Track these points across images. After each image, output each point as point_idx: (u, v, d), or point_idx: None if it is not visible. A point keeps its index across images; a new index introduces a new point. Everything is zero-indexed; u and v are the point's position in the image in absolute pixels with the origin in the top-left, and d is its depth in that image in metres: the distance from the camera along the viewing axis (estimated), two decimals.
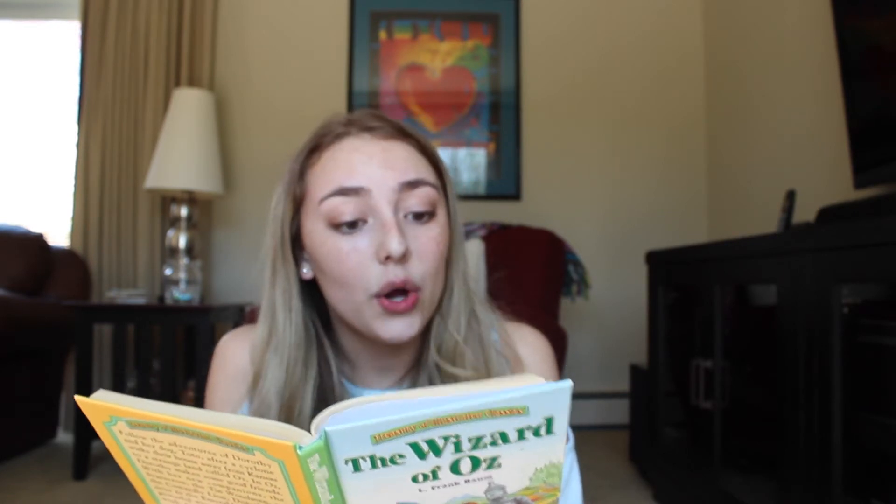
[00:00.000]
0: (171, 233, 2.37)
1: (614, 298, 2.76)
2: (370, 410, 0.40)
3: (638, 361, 2.21)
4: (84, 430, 2.00)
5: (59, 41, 2.87)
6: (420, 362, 0.69)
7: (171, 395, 2.06)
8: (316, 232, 0.61)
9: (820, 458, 1.11)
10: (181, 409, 0.41)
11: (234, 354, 0.71)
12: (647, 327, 1.90)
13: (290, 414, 0.64)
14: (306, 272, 0.66)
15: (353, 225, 0.60)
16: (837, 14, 1.64)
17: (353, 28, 2.81)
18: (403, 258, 0.59)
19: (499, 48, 2.83)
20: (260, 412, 0.64)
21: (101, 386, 2.51)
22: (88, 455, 2.01)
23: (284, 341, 0.64)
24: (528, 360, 0.72)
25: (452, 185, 0.67)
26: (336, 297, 0.63)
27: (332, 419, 0.40)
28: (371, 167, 0.60)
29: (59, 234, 2.76)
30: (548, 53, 2.85)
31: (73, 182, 2.63)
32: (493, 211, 2.73)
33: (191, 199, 2.40)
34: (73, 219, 2.62)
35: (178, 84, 2.65)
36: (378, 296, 0.60)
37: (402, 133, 0.63)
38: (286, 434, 0.40)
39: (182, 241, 2.34)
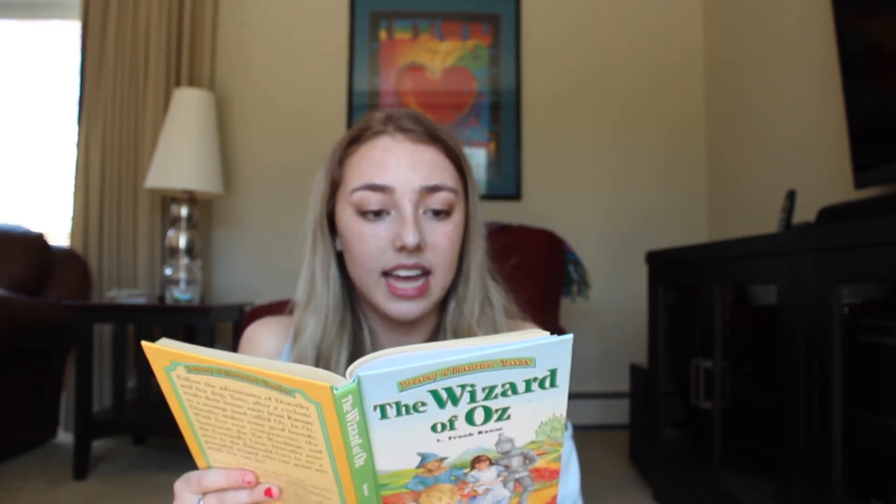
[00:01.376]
0: (171, 233, 2.37)
1: (614, 298, 2.76)
2: (398, 360, 0.43)
3: (638, 361, 2.21)
4: (84, 429, 2.01)
5: (59, 41, 2.87)
6: (433, 340, 0.76)
7: None
8: (346, 215, 0.70)
9: (820, 458, 1.11)
10: (231, 355, 0.45)
11: (260, 339, 0.77)
12: (647, 327, 1.90)
13: (326, 366, 0.71)
14: (338, 245, 0.74)
15: (377, 214, 0.68)
16: (837, 14, 1.64)
17: (353, 28, 2.81)
18: (417, 249, 0.67)
19: (499, 48, 2.83)
20: (298, 361, 0.71)
21: (101, 386, 2.51)
22: (88, 455, 2.01)
23: (322, 303, 0.73)
24: None
25: (475, 185, 0.75)
26: (354, 273, 0.71)
27: (366, 366, 0.43)
28: (400, 169, 0.68)
29: (59, 234, 2.76)
30: (548, 53, 2.85)
31: (73, 182, 2.63)
32: (493, 211, 2.72)
33: (191, 199, 2.40)
34: (73, 219, 2.62)
35: (178, 84, 2.65)
36: (387, 273, 0.68)
37: (433, 138, 0.70)
38: (324, 377, 0.43)
39: (182, 241, 2.34)
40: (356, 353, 0.73)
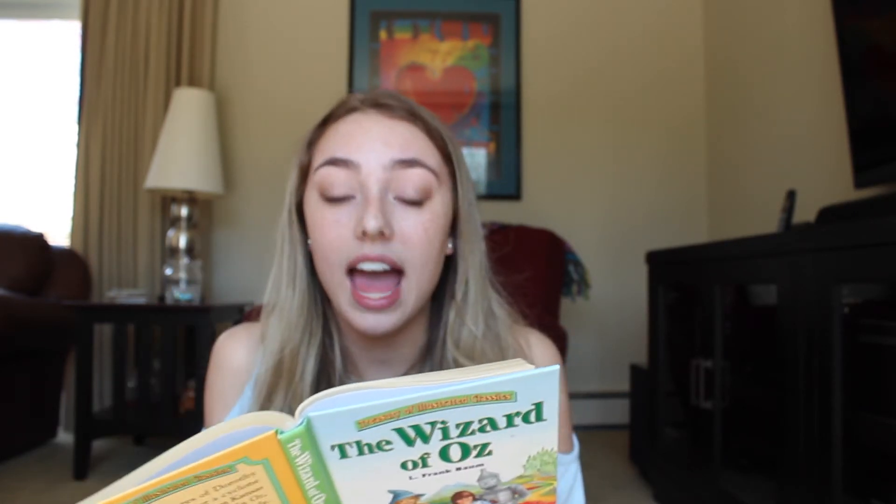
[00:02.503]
0: (171, 233, 2.37)
1: (614, 298, 2.76)
2: (357, 397, 0.39)
3: (638, 361, 2.21)
4: (84, 429, 2.01)
5: (59, 41, 2.87)
6: (427, 357, 0.68)
7: (171, 395, 2.06)
8: (311, 202, 0.62)
9: (820, 458, 1.11)
10: (148, 468, 0.40)
11: (230, 352, 0.70)
12: (647, 327, 1.90)
13: (291, 378, 0.63)
14: (311, 242, 0.65)
15: (341, 200, 0.59)
16: (837, 14, 1.64)
17: (353, 28, 2.81)
18: (381, 236, 0.57)
19: (499, 48, 2.83)
20: (262, 370, 0.65)
21: (101, 386, 2.51)
22: (88, 455, 2.01)
23: (286, 305, 0.64)
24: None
25: (467, 177, 0.65)
26: (320, 271, 0.62)
27: (318, 405, 0.39)
28: (367, 141, 0.59)
29: (59, 234, 2.76)
30: (548, 53, 2.85)
31: (73, 182, 2.63)
32: (493, 211, 2.72)
33: (191, 199, 2.40)
34: (73, 219, 2.62)
35: (178, 84, 2.65)
36: (352, 271, 0.59)
37: (412, 115, 0.62)
38: (268, 420, 0.39)
39: (182, 241, 2.34)
40: (324, 369, 0.65)
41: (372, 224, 0.55)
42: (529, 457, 0.43)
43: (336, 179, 0.58)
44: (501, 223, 2.41)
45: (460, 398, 0.38)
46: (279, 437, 0.38)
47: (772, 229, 2.03)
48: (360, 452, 0.40)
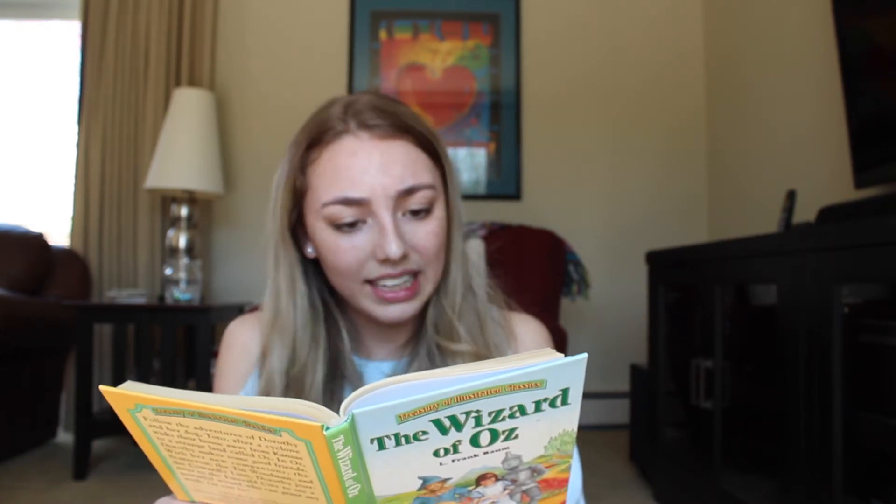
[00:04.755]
0: (171, 233, 2.37)
1: (614, 298, 2.76)
2: (399, 391, 0.41)
3: (638, 361, 2.21)
4: (84, 429, 2.01)
5: (59, 41, 2.87)
6: (420, 332, 0.73)
7: None
8: (318, 228, 0.65)
9: (820, 458, 1.11)
10: (205, 396, 0.42)
11: (240, 336, 0.74)
12: (647, 327, 1.90)
13: (300, 389, 0.67)
14: (311, 251, 0.69)
15: (352, 225, 0.63)
16: (837, 14, 1.64)
17: (353, 28, 2.81)
18: (403, 259, 0.62)
19: (499, 48, 2.83)
20: (266, 390, 0.67)
21: (101, 385, 2.51)
22: (88, 455, 2.01)
23: (289, 324, 0.67)
24: (528, 343, 0.75)
25: (453, 170, 0.69)
26: (335, 281, 0.67)
27: (361, 401, 0.41)
28: (370, 175, 0.61)
29: (59, 234, 2.76)
30: (548, 53, 2.85)
31: (73, 182, 2.63)
32: (493, 211, 2.72)
33: (191, 198, 2.40)
34: (73, 219, 2.62)
35: (178, 84, 2.65)
36: (372, 282, 0.64)
37: (400, 129, 0.63)
38: (314, 414, 0.41)
39: (182, 241, 2.34)
40: (333, 364, 0.69)
41: (394, 251, 0.61)
42: (551, 438, 0.45)
43: (347, 213, 0.62)
44: (501, 223, 2.41)
45: (496, 388, 0.40)
46: (325, 432, 0.40)
47: (772, 229, 2.03)
48: (398, 444, 0.42)
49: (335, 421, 0.40)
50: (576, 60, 2.85)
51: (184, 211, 2.37)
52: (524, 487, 0.48)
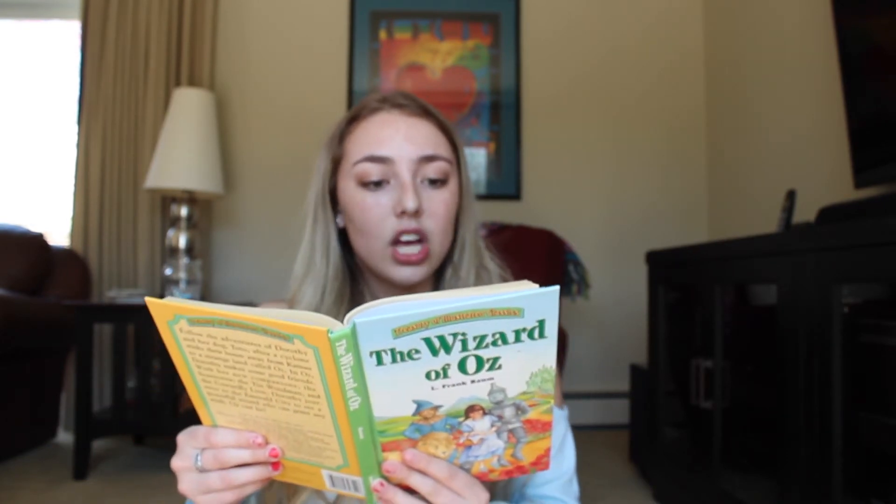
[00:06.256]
0: (171, 233, 2.37)
1: (614, 298, 2.76)
2: (395, 307, 0.45)
3: (638, 361, 2.21)
4: (84, 429, 2.01)
5: (59, 41, 2.87)
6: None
7: (171, 395, 2.06)
8: (348, 188, 0.73)
9: (820, 458, 1.11)
10: (234, 308, 0.47)
11: None
12: (647, 327, 1.90)
13: None
14: (339, 222, 0.77)
15: (378, 184, 0.71)
16: (837, 14, 1.64)
17: (353, 28, 2.81)
18: (416, 213, 0.70)
19: (499, 48, 2.83)
20: None
21: (101, 386, 2.51)
22: (88, 455, 2.01)
23: (321, 273, 0.75)
24: None
25: (465, 159, 0.79)
26: (359, 243, 0.74)
27: (363, 314, 0.45)
28: (397, 140, 0.71)
29: (59, 234, 2.76)
30: (548, 53, 2.85)
31: (73, 182, 2.63)
32: (493, 211, 2.73)
33: (191, 199, 2.40)
34: (73, 219, 2.62)
35: (178, 84, 2.65)
36: (393, 243, 0.71)
37: (425, 112, 0.74)
38: (321, 321, 0.46)
39: (182, 241, 2.34)
40: None
41: (410, 204, 0.69)
42: (532, 373, 0.49)
43: (374, 171, 0.71)
44: (501, 223, 2.42)
45: (478, 311, 0.45)
46: (329, 335, 0.44)
47: (772, 229, 2.03)
48: (394, 360, 0.46)
49: (339, 328, 0.45)
50: (576, 60, 2.85)
51: (184, 211, 2.37)
52: (510, 426, 0.52)
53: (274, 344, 0.46)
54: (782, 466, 1.23)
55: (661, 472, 1.81)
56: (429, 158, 0.72)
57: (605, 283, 2.72)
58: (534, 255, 2.23)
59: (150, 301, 0.47)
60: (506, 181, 2.81)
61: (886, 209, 1.27)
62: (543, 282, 0.46)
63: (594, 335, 2.78)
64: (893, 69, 1.45)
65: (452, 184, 0.74)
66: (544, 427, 0.52)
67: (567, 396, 2.51)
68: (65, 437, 2.50)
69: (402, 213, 0.70)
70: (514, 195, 2.81)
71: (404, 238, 0.71)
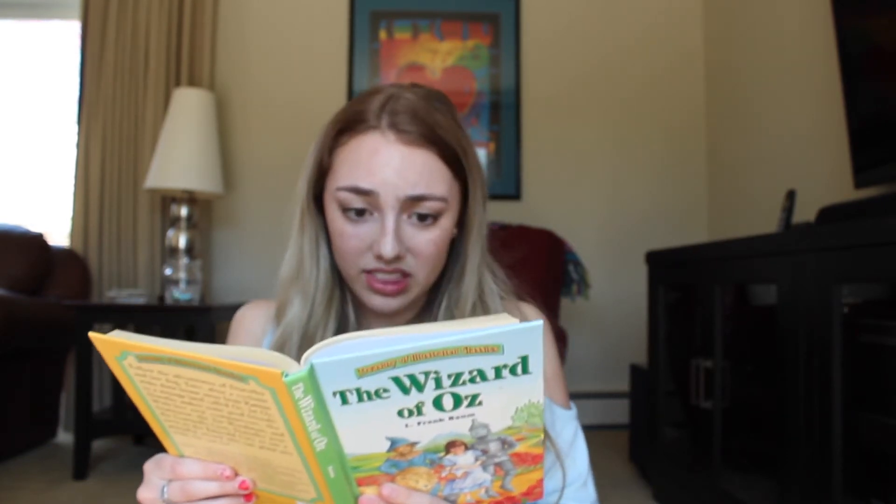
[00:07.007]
0: (171, 233, 2.37)
1: (614, 298, 2.76)
2: (358, 345, 0.42)
3: (638, 361, 2.21)
4: (84, 429, 2.00)
5: (59, 41, 2.87)
6: (426, 311, 0.75)
7: None
8: (330, 209, 0.68)
9: (820, 458, 1.11)
10: (183, 344, 0.44)
11: (250, 318, 0.77)
12: (647, 327, 1.90)
13: (312, 342, 0.69)
14: (330, 237, 0.73)
15: (361, 212, 0.65)
16: (837, 14, 1.64)
17: (353, 28, 2.81)
18: (396, 258, 0.64)
19: (499, 48, 2.83)
20: (281, 340, 0.70)
21: (101, 385, 2.51)
22: (88, 455, 2.01)
23: (311, 282, 0.71)
24: None
25: (481, 183, 0.71)
26: (337, 261, 0.70)
27: (321, 353, 0.42)
28: (386, 173, 0.63)
29: (59, 234, 2.76)
30: (548, 53, 2.85)
31: (73, 182, 2.63)
32: (493, 211, 2.72)
33: (191, 199, 2.40)
34: (73, 219, 2.62)
35: (178, 84, 2.65)
36: (368, 271, 0.66)
37: (429, 140, 0.64)
38: (276, 362, 0.42)
39: (182, 241, 2.34)
40: (341, 331, 0.72)
41: (388, 251, 0.63)
42: (517, 408, 0.45)
43: (356, 201, 0.65)
44: (501, 223, 2.41)
45: (451, 349, 0.41)
46: (284, 378, 0.41)
47: (772, 229, 2.03)
48: (360, 399, 0.42)
49: (295, 368, 0.42)
50: (576, 60, 2.85)
51: (184, 211, 2.37)
52: (497, 460, 0.48)
53: (228, 383, 0.43)
54: (782, 466, 1.23)
55: (661, 473, 1.81)
56: (418, 199, 0.64)
57: (604, 283, 2.72)
58: (534, 255, 2.23)
59: (95, 337, 0.45)
60: (506, 181, 2.81)
61: (886, 209, 1.27)
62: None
63: (594, 335, 2.78)
64: (893, 69, 1.45)
65: (446, 220, 0.67)
66: (535, 459, 0.49)
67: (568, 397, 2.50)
68: (65, 437, 2.50)
69: (379, 258, 0.64)
70: (514, 195, 2.81)
71: (381, 276, 0.66)
